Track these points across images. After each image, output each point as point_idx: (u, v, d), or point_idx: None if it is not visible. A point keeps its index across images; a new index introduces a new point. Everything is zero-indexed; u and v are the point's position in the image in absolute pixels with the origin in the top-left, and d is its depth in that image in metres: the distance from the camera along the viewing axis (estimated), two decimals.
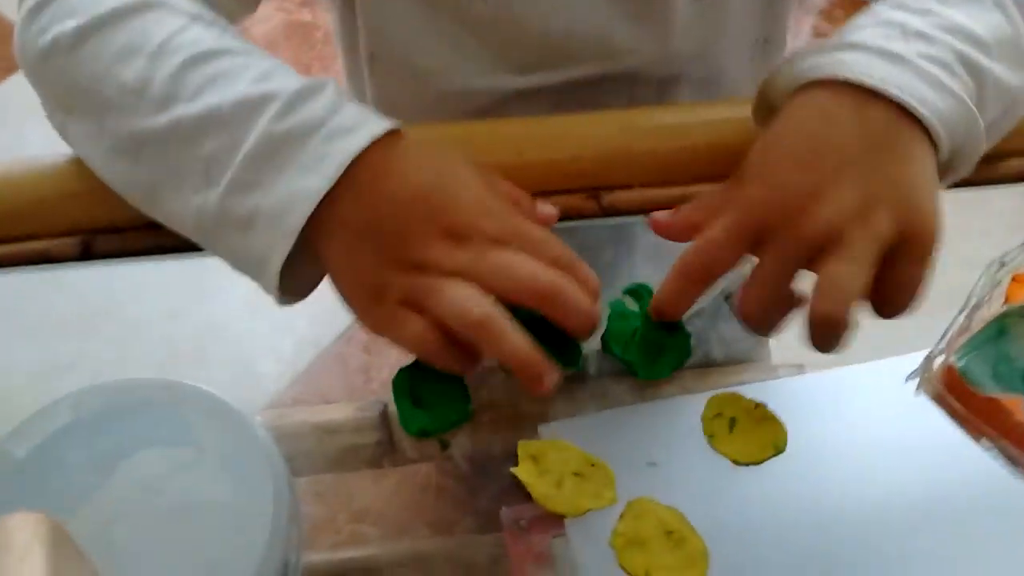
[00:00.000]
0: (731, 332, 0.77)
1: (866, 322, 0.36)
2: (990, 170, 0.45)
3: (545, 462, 0.43)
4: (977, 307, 0.42)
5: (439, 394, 0.44)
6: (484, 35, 0.52)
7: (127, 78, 0.38)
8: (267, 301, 0.39)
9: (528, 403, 0.45)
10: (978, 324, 0.41)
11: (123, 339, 1.18)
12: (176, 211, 0.39)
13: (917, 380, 0.42)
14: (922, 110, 0.36)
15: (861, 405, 0.45)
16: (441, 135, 0.46)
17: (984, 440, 0.40)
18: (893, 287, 0.36)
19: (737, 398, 0.45)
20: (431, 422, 0.43)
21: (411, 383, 0.44)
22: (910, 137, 0.37)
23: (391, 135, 0.37)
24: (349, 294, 0.38)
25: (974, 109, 0.38)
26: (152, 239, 0.43)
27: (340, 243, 0.37)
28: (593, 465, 0.43)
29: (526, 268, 0.35)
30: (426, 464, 0.48)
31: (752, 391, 0.45)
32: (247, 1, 0.49)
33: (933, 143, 0.37)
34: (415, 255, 0.36)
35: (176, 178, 0.38)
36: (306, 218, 0.36)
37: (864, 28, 0.39)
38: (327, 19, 1.43)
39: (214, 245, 0.39)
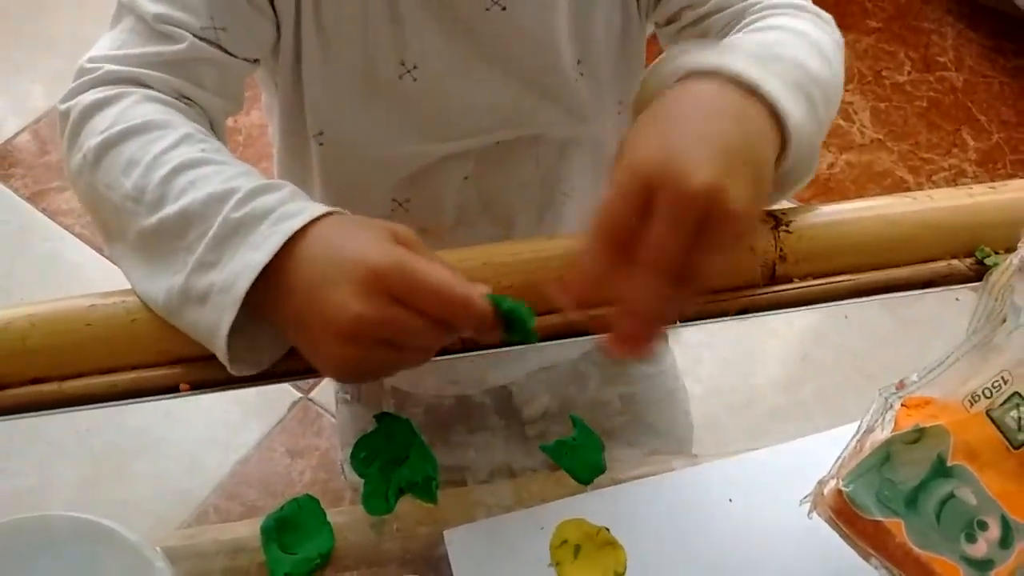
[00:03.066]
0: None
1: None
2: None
3: None
4: (869, 431, 0.44)
5: (302, 539, 0.46)
6: (415, 109, 0.59)
7: (128, 187, 0.45)
8: (185, 410, 0.41)
9: (389, 541, 0.48)
10: (869, 448, 0.43)
11: (45, 457, 1.16)
12: (153, 293, 0.45)
13: (810, 503, 0.43)
14: (784, 112, 0.42)
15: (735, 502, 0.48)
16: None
17: (873, 560, 0.42)
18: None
19: (581, 524, 0.48)
20: (294, 567, 0.45)
21: (278, 531, 0.46)
22: (766, 127, 0.42)
23: (328, 216, 0.42)
24: (310, 348, 0.42)
25: (813, 131, 0.44)
26: (51, 394, 0.46)
27: (291, 305, 0.41)
28: None
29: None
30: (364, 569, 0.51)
31: (600, 505, 0.48)
32: (234, 100, 0.55)
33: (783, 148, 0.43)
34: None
35: (163, 265, 0.44)
36: (248, 286, 0.41)
37: (738, 43, 0.47)
38: (246, 121, 1.51)
39: (179, 321, 0.44)
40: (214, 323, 0.42)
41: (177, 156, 0.45)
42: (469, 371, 0.70)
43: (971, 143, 1.54)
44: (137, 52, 0.50)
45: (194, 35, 0.51)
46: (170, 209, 0.43)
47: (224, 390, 0.47)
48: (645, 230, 0.37)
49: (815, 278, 0.51)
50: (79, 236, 1.37)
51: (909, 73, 1.64)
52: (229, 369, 0.44)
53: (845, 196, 1.44)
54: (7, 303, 1.20)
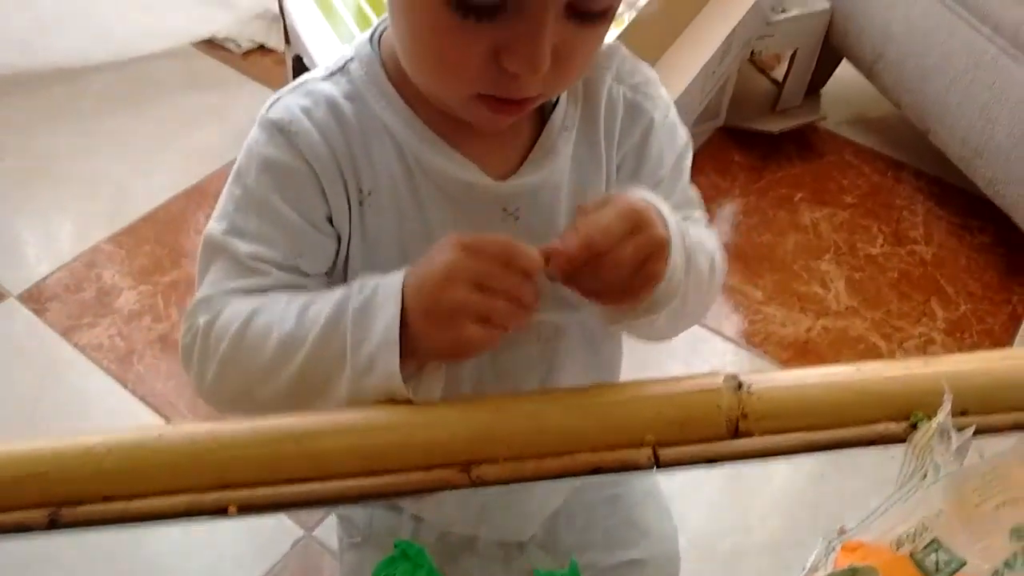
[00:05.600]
0: None
1: None
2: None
3: None
4: (813, 570, 0.51)
5: None
6: None
7: (276, 342, 0.56)
8: (195, 544, 0.49)
9: None
10: None
11: None
12: (338, 396, 0.55)
13: None
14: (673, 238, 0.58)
15: None
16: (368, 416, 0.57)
17: None
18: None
19: None
20: None
21: None
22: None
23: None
24: (431, 318, 0.54)
25: (682, 277, 0.60)
26: (119, 511, 0.53)
27: (419, 324, 0.53)
28: None
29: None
30: None
31: None
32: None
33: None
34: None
35: (329, 371, 0.54)
36: (396, 324, 0.53)
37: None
38: None
39: (364, 398, 0.54)
40: (386, 374, 0.53)
41: (296, 303, 0.57)
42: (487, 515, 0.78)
43: (940, 313, 1.64)
44: (233, 285, 0.61)
45: (277, 267, 0.61)
46: (313, 330, 0.55)
47: (268, 514, 0.55)
48: (614, 248, 0.55)
49: (773, 434, 0.60)
50: (106, 370, 1.45)
51: (882, 246, 1.77)
52: (415, 398, 0.54)
53: (821, 359, 1.52)
54: (31, 431, 1.28)
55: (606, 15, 0.57)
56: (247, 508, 0.55)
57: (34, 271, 1.62)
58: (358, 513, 0.86)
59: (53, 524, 0.53)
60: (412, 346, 0.54)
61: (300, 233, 0.63)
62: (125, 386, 1.43)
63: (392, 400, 0.55)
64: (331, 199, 0.64)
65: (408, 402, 0.55)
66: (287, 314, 0.56)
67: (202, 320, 0.59)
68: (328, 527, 1.28)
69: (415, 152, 0.63)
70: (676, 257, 0.58)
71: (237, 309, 0.58)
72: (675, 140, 0.70)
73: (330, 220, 0.65)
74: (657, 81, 0.69)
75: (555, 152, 0.65)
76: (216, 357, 0.58)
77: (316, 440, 0.55)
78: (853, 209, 1.83)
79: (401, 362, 0.53)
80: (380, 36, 0.66)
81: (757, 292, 1.66)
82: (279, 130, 0.62)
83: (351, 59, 0.65)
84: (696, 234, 0.64)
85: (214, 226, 0.63)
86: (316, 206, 0.63)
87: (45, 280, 1.60)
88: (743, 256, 1.72)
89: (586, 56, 0.60)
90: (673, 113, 0.70)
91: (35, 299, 1.57)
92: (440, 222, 0.66)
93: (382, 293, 0.54)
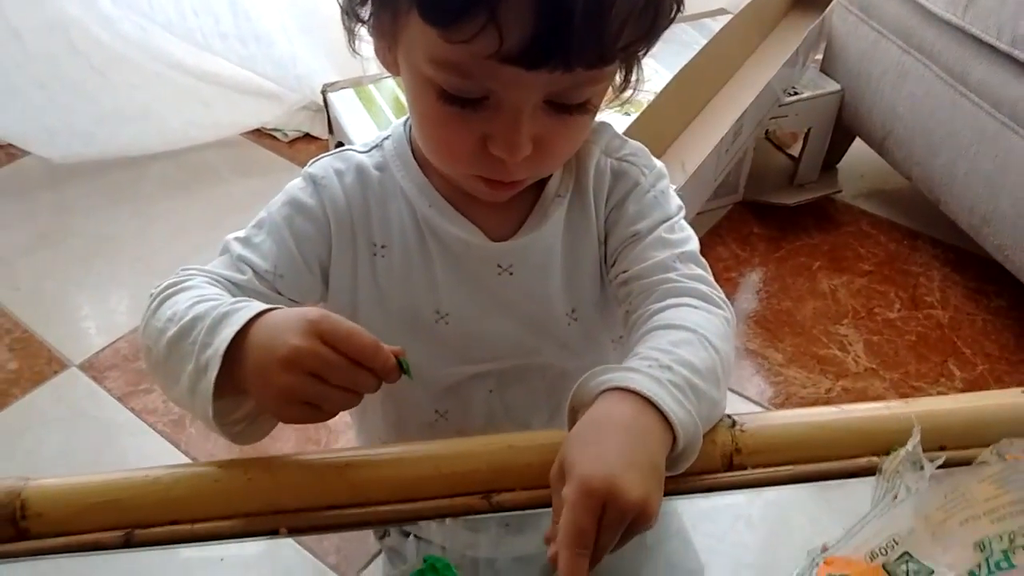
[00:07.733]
0: None
1: None
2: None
3: None
4: None
5: None
6: (448, 343, 0.76)
7: (168, 315, 0.63)
8: None
9: None
10: None
11: None
12: (180, 388, 0.60)
13: None
14: (673, 419, 0.55)
15: None
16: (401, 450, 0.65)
17: None
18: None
19: None
20: None
21: None
22: (662, 434, 0.55)
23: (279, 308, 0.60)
24: (262, 383, 0.58)
25: (697, 421, 0.57)
26: (184, 532, 0.61)
27: (254, 359, 0.57)
28: None
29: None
30: None
31: None
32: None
33: (673, 439, 0.56)
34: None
35: (181, 359, 0.60)
36: (227, 344, 0.57)
37: (635, 359, 0.60)
38: None
39: (195, 400, 0.59)
40: (207, 384, 0.58)
41: (202, 295, 0.63)
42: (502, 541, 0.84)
43: (957, 373, 1.67)
44: (214, 270, 0.70)
45: (256, 273, 0.70)
46: (188, 319, 0.61)
47: (313, 534, 0.62)
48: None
49: (764, 467, 0.65)
50: (160, 433, 1.54)
51: (899, 310, 1.82)
52: (215, 428, 0.60)
53: None
54: None
55: (585, 107, 0.63)
56: (296, 530, 0.62)
57: (93, 342, 1.73)
58: (408, 547, 0.92)
59: (127, 544, 0.61)
60: (242, 377, 0.58)
61: (290, 260, 0.71)
62: (178, 447, 1.51)
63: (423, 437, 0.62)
64: (335, 250, 0.74)
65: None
66: (192, 299, 0.63)
67: (168, 280, 0.67)
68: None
69: (425, 214, 0.73)
70: (676, 414, 0.55)
71: (191, 283, 0.66)
72: (664, 206, 0.73)
73: (324, 269, 0.74)
74: (647, 153, 0.76)
75: (548, 217, 0.73)
76: (148, 312, 0.66)
77: (356, 471, 0.63)
78: (870, 276, 1.89)
79: (235, 389, 0.59)
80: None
81: (778, 355, 1.71)
82: (312, 180, 0.73)
83: (387, 137, 0.77)
84: (681, 342, 0.62)
85: (231, 234, 0.73)
86: (316, 249, 0.73)
87: (104, 350, 1.71)
88: (764, 321, 1.78)
89: (569, 142, 0.67)
90: (663, 184, 0.75)
91: (95, 368, 1.68)
92: (444, 275, 0.75)
93: (238, 315, 0.59)
